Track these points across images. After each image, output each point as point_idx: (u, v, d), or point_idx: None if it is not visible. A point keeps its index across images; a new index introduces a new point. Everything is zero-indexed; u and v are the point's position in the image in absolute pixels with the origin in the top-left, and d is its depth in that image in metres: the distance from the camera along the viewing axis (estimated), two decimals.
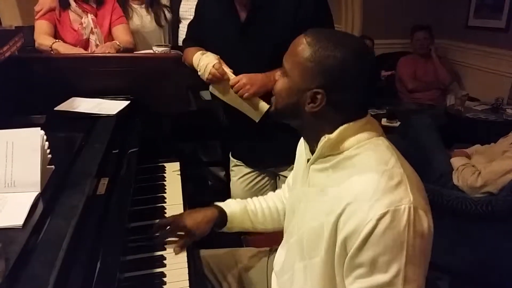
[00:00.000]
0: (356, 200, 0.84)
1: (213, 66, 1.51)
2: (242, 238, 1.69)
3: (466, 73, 4.01)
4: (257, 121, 1.57)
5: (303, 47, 0.91)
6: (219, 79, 1.54)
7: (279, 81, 0.98)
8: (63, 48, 2.06)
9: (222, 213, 1.26)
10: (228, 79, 1.53)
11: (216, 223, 1.26)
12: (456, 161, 2.24)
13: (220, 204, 1.30)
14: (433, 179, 2.25)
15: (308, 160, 1.01)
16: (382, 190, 0.82)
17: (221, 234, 1.31)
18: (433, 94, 3.72)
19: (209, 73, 1.52)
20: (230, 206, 1.29)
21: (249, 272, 1.32)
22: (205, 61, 1.54)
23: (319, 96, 0.90)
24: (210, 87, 1.61)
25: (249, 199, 1.34)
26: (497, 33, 3.61)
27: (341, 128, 0.91)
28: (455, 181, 2.17)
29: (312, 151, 0.99)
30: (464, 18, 3.94)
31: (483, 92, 3.65)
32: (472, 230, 1.98)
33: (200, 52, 1.58)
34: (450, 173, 2.21)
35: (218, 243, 1.42)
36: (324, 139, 0.92)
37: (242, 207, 1.29)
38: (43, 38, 2.13)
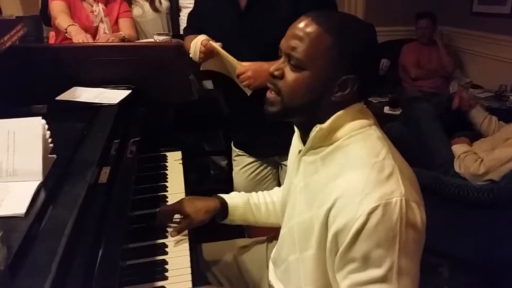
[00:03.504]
0: (346, 194, 0.82)
1: (201, 44, 1.51)
2: (245, 228, 1.69)
3: (469, 60, 3.98)
4: (248, 94, 1.57)
5: (320, 34, 0.87)
6: (209, 54, 1.53)
7: (291, 77, 0.90)
8: (75, 32, 2.06)
9: (224, 205, 1.26)
10: (218, 54, 1.53)
11: (217, 214, 1.25)
12: (458, 148, 2.23)
13: (223, 195, 1.29)
14: (434, 166, 2.25)
15: (300, 152, 0.99)
16: (373, 183, 0.81)
17: (224, 226, 1.31)
18: (437, 82, 3.70)
19: (200, 52, 1.51)
20: (232, 198, 1.28)
21: (247, 261, 1.33)
22: (193, 42, 1.54)
23: (350, 83, 0.88)
24: (201, 67, 1.60)
25: (253, 193, 1.33)
26: (502, 19, 3.57)
27: (333, 117, 0.90)
28: (457, 168, 2.16)
29: (304, 142, 0.97)
30: (469, 4, 3.90)
31: (486, 79, 3.63)
32: (474, 218, 1.99)
33: (194, 39, 1.58)
34: (452, 161, 2.21)
35: (220, 234, 1.43)
36: (316, 129, 0.90)
37: (245, 200, 1.28)
38: (62, 17, 2.15)
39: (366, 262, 0.80)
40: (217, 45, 1.52)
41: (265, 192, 1.34)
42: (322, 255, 0.89)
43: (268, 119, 0.97)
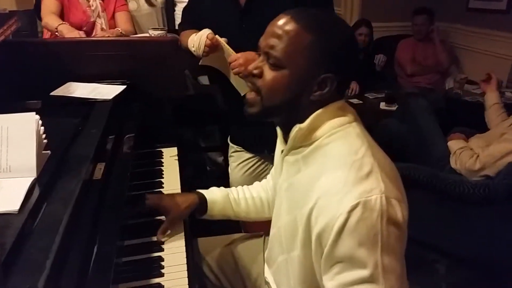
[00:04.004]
0: (326, 194, 0.82)
1: (207, 37, 1.49)
2: (241, 223, 1.69)
3: (465, 56, 3.98)
4: (242, 94, 1.56)
5: (299, 33, 0.86)
6: (214, 48, 1.51)
7: (270, 75, 0.89)
8: (67, 30, 2.06)
9: (203, 200, 1.26)
10: (221, 50, 1.51)
11: (196, 209, 1.25)
12: (454, 144, 2.24)
13: (203, 191, 1.29)
14: (431, 162, 2.25)
15: (282, 151, 0.99)
16: (352, 181, 0.80)
17: (219, 220, 1.31)
18: (432, 78, 3.70)
19: (205, 45, 1.49)
20: (212, 193, 1.28)
21: (244, 256, 1.32)
22: (198, 35, 1.52)
23: (328, 81, 0.87)
24: (201, 61, 1.59)
25: (233, 188, 1.33)
26: (498, 15, 3.58)
27: (313, 116, 0.89)
28: (453, 164, 2.17)
29: (286, 142, 0.96)
30: (465, 0, 3.90)
31: (482, 75, 3.63)
32: (470, 213, 1.99)
33: (194, 34, 1.57)
34: (447, 156, 2.22)
35: (216, 229, 1.42)
36: (296, 129, 0.90)
37: (224, 195, 1.28)
38: (50, 18, 2.14)
39: (351, 262, 0.79)
40: (222, 40, 1.51)
41: (245, 187, 1.34)
42: (308, 256, 0.89)
43: (248, 119, 0.96)
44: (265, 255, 1.19)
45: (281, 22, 0.89)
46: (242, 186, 1.35)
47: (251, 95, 0.94)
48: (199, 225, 1.31)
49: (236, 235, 1.41)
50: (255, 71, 0.91)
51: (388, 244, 0.78)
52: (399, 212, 0.81)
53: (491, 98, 2.51)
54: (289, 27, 0.87)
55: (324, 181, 0.84)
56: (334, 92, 0.89)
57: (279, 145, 1.04)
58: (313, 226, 0.85)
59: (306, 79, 0.87)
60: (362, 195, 0.79)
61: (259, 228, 1.41)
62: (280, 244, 0.99)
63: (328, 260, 0.82)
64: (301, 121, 0.90)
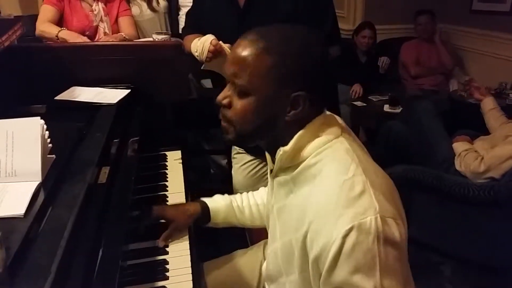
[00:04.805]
0: (318, 217, 0.80)
1: (211, 43, 1.49)
2: (247, 232, 1.67)
3: (469, 57, 3.97)
4: None
5: (259, 56, 0.83)
6: (217, 54, 1.52)
7: (238, 104, 0.87)
8: (69, 36, 2.07)
9: (205, 209, 1.25)
10: (225, 55, 1.52)
11: (199, 218, 1.25)
12: (459, 146, 2.23)
13: (206, 199, 1.29)
14: (435, 164, 2.25)
15: (271, 171, 0.97)
16: (344, 204, 0.77)
17: (225, 232, 1.31)
18: (437, 80, 3.70)
19: (208, 51, 1.49)
20: (214, 202, 1.28)
21: (248, 273, 1.30)
22: (201, 41, 1.52)
23: (300, 100, 0.84)
24: (203, 66, 1.59)
25: (237, 195, 1.32)
26: (502, 17, 3.56)
27: (295, 138, 0.87)
28: (457, 166, 2.17)
29: (274, 162, 0.94)
30: (468, 2, 3.89)
31: (486, 77, 3.62)
32: (475, 215, 1.98)
33: (197, 38, 1.57)
34: (452, 158, 2.22)
35: (222, 241, 1.41)
36: (280, 153, 0.88)
37: (228, 203, 1.27)
38: (47, 25, 2.16)
39: (350, 287, 0.77)
40: (226, 46, 1.51)
41: (249, 193, 1.32)
42: (307, 280, 0.87)
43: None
44: (264, 271, 1.17)
45: (241, 47, 0.86)
46: (246, 189, 1.34)
47: (224, 124, 0.92)
48: (204, 234, 1.30)
49: (241, 251, 1.37)
50: (224, 102, 0.89)
51: (387, 266, 0.76)
52: (396, 231, 0.78)
53: (488, 103, 2.52)
54: (248, 51, 0.84)
55: (316, 204, 0.81)
56: (311, 109, 0.86)
57: (269, 164, 1.01)
58: (309, 250, 0.83)
59: (276, 101, 0.84)
60: (356, 218, 0.76)
61: (265, 235, 1.40)
62: (278, 266, 0.97)
63: (327, 286, 0.80)
64: (284, 144, 0.88)
